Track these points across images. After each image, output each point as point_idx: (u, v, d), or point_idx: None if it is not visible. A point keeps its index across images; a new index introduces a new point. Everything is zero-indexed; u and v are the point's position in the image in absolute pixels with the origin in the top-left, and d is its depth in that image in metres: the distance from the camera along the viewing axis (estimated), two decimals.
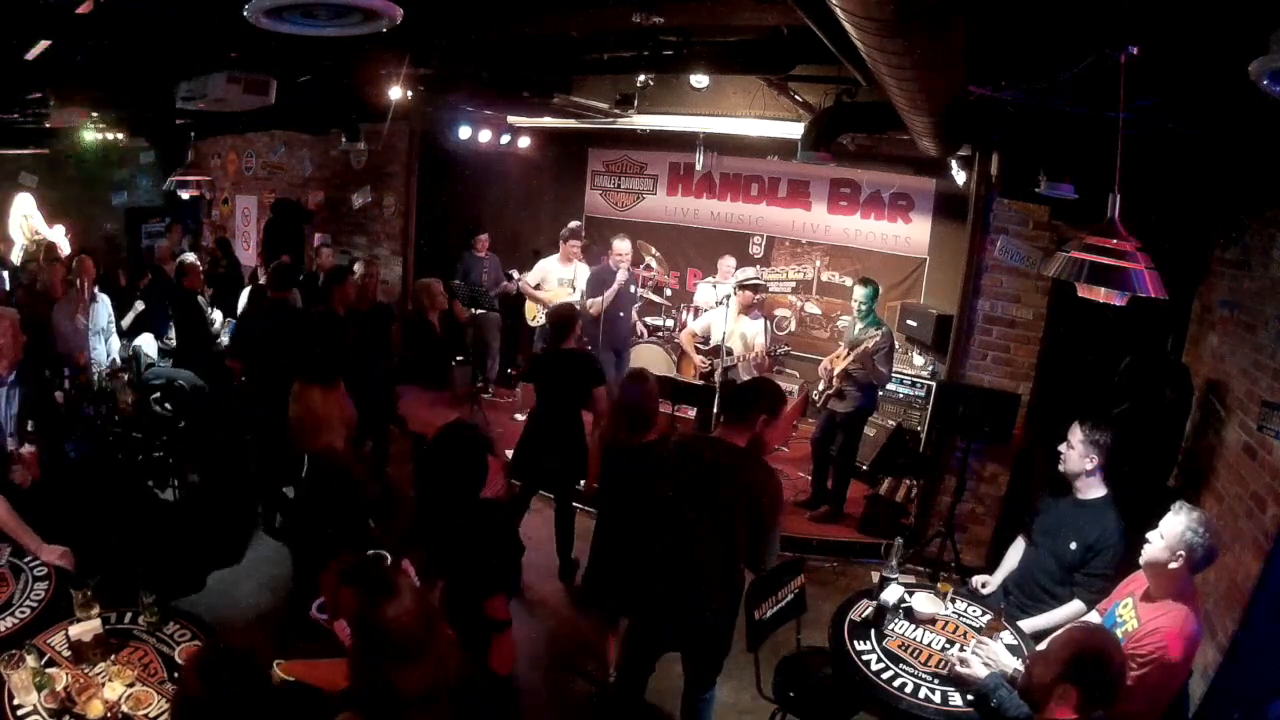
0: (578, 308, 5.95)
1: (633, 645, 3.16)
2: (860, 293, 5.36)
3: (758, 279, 6.37)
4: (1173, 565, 2.51)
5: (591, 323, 6.50)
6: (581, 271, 7.05)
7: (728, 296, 6.08)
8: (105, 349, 5.75)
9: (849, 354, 5.27)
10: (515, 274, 7.39)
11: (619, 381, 4.21)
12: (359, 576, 1.82)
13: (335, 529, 2.73)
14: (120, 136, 8.01)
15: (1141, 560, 2.64)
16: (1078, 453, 3.13)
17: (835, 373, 5.36)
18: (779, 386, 3.14)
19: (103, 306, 5.79)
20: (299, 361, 3.42)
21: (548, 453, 4.53)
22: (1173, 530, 2.52)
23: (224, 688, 1.66)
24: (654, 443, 3.49)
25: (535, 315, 7.34)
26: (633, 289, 6.88)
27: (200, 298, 6.43)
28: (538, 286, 7.03)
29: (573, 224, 7.32)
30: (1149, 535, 2.61)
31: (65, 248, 7.72)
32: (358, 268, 6.24)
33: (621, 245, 6.62)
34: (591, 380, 4.46)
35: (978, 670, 2.54)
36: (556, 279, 6.99)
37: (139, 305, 6.64)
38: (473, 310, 7.20)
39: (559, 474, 4.61)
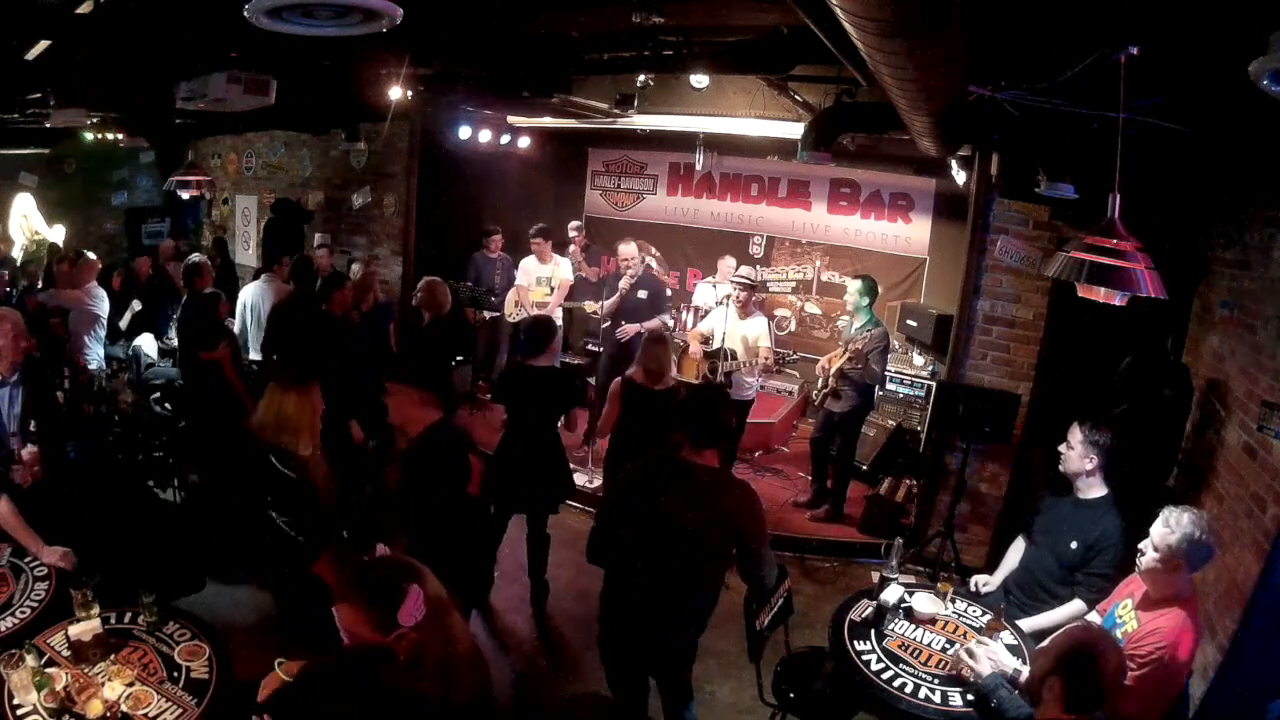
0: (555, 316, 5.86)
1: (605, 659, 3.03)
2: (853, 286, 5.36)
3: (748, 278, 5.95)
4: (1168, 570, 2.51)
5: (606, 330, 6.41)
6: (563, 267, 6.98)
7: (727, 297, 6.04)
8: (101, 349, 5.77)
9: (845, 353, 5.28)
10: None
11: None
12: (366, 585, 1.78)
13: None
14: (120, 136, 8.00)
15: (1137, 570, 2.64)
16: (1078, 453, 3.14)
17: (831, 372, 5.37)
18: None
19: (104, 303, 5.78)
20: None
21: (524, 477, 4.15)
22: (1163, 538, 2.52)
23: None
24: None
25: (513, 313, 7.04)
26: (640, 295, 6.19)
27: None
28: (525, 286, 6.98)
29: (538, 225, 7.08)
30: (1141, 545, 2.61)
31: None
32: (355, 268, 6.21)
33: (625, 249, 6.26)
34: (571, 401, 4.17)
35: (983, 665, 2.53)
36: (535, 278, 6.94)
37: (135, 305, 6.63)
38: (484, 313, 7.06)
39: (536, 498, 4.26)
